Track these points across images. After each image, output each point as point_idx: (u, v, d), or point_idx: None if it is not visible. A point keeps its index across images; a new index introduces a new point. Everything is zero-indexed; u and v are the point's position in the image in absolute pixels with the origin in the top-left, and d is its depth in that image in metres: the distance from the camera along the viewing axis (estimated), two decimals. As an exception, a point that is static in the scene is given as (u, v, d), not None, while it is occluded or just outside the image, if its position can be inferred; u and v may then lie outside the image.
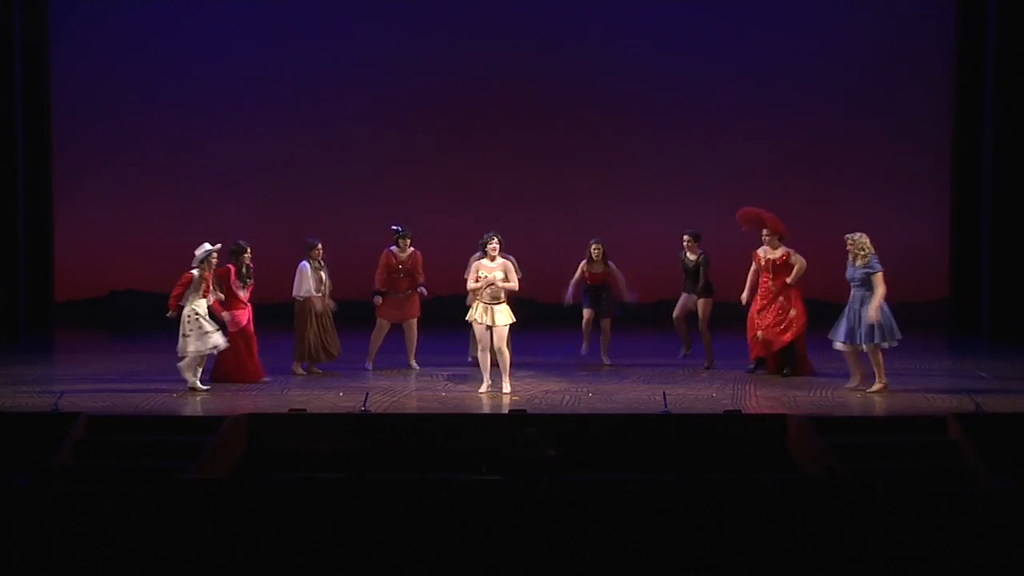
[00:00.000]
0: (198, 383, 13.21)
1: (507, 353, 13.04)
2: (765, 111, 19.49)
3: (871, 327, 12.93)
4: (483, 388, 13.08)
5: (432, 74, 19.57)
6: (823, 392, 13.16)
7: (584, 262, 14.88)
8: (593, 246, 14.86)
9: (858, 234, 13.23)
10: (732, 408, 12.19)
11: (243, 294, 13.76)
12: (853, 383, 13.22)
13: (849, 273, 13.21)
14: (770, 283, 13.98)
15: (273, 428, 11.83)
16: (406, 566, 6.76)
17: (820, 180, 19.52)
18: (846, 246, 13.24)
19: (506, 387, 13.03)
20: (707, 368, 14.58)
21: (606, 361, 14.86)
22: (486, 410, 12.45)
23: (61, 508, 7.57)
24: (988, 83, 17.45)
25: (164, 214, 19.67)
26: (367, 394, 12.52)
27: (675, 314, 14.86)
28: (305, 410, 12.06)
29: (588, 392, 13.11)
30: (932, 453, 11.36)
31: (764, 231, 14.07)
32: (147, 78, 19.48)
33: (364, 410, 12.07)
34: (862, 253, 13.10)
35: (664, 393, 12.51)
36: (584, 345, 15.00)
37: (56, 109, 18.85)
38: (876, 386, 13.09)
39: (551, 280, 15.76)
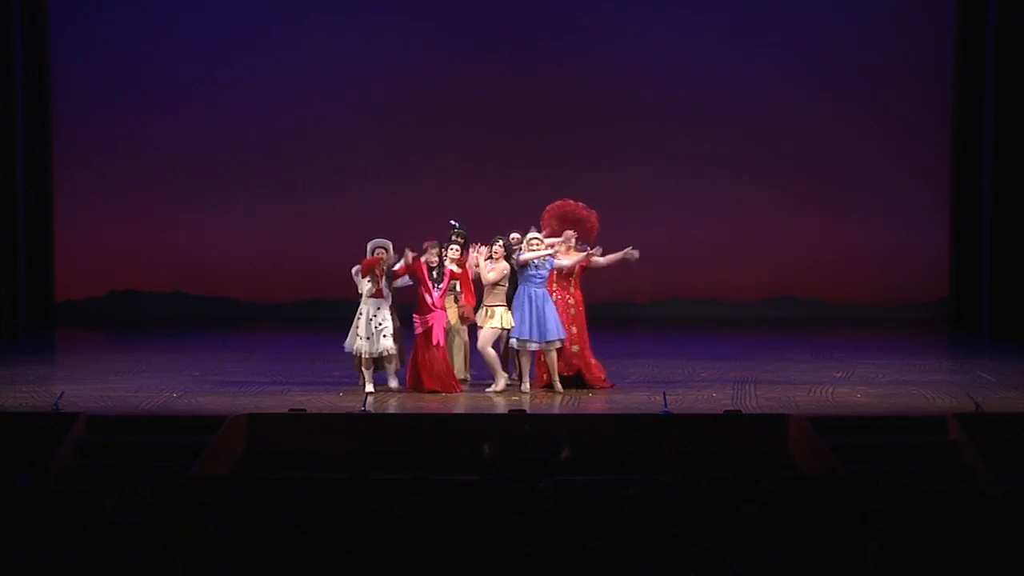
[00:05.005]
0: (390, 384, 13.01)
1: (489, 352, 12.99)
2: (764, 111, 19.46)
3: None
4: (500, 386, 13.01)
5: (435, 75, 19.54)
6: (823, 392, 13.16)
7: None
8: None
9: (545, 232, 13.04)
10: (732, 408, 12.18)
11: (428, 298, 12.97)
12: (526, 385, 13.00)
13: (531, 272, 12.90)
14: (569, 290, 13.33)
15: (273, 428, 11.81)
16: (406, 566, 6.76)
17: (819, 180, 19.49)
18: (528, 244, 12.87)
19: (499, 385, 12.95)
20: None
21: None
22: (486, 410, 12.44)
23: (61, 508, 7.57)
24: (988, 83, 17.44)
25: (164, 214, 19.64)
26: (367, 394, 12.53)
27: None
28: (305, 410, 12.05)
29: (588, 392, 13.10)
30: (932, 453, 11.35)
31: (574, 233, 13.26)
32: (148, 77, 19.44)
33: (364, 410, 12.07)
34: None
35: (664, 393, 12.49)
36: None
37: (56, 109, 18.82)
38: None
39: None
